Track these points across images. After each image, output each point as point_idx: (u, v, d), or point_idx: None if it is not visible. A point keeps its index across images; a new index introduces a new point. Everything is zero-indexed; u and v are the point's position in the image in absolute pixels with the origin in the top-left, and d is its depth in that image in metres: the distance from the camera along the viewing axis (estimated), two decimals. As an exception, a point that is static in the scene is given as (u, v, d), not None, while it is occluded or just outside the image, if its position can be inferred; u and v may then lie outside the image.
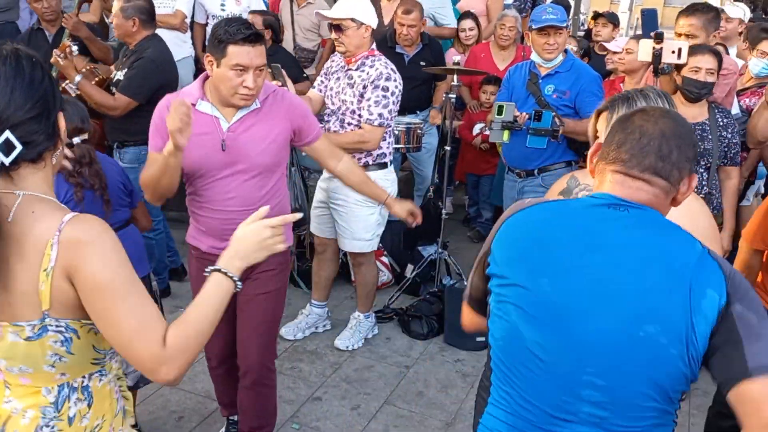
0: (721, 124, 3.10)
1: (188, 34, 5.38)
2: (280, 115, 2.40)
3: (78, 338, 1.32)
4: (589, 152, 1.44)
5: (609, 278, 1.27)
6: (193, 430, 2.97)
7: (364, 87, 3.27)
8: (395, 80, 3.31)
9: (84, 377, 1.39)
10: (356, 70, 3.31)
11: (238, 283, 1.41)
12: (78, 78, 3.63)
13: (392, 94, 3.29)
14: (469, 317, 1.61)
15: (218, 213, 2.42)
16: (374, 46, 3.37)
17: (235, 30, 2.20)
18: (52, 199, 1.33)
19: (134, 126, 3.71)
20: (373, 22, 3.31)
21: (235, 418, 2.85)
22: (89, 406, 1.40)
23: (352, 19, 3.22)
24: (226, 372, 2.73)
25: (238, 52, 2.21)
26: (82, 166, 2.48)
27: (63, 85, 3.59)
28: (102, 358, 1.39)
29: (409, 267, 4.37)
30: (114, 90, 3.78)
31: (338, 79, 3.39)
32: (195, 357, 1.35)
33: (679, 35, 3.45)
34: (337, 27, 3.25)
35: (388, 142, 3.48)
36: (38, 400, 1.35)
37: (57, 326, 1.29)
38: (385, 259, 4.42)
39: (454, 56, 4.47)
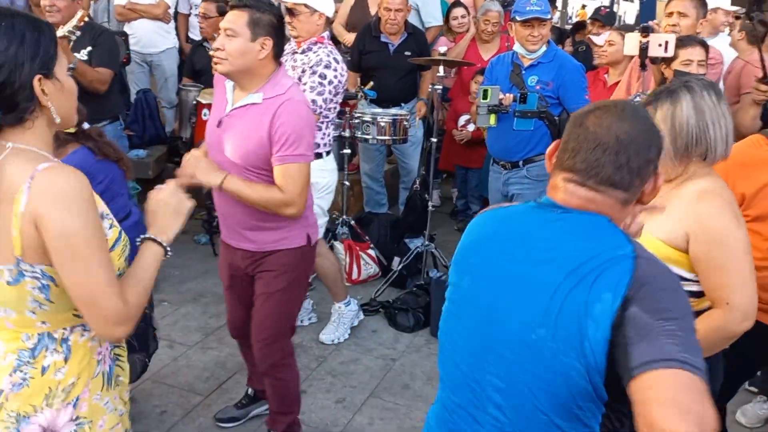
0: None
1: (172, 24, 5.33)
2: (267, 122, 2.28)
3: (56, 285, 1.33)
4: (548, 150, 1.37)
5: (519, 278, 1.24)
6: (176, 424, 2.94)
7: (303, 71, 3.24)
8: (336, 70, 3.23)
9: (66, 329, 1.40)
10: (301, 53, 3.30)
11: (168, 248, 1.50)
12: (78, 57, 3.62)
13: (329, 83, 3.21)
14: None
15: (217, 201, 2.52)
16: (326, 34, 3.35)
17: None
18: (43, 153, 1.35)
19: (107, 103, 3.79)
20: (328, 10, 3.30)
21: (249, 392, 2.99)
22: (65, 360, 1.41)
23: (306, 5, 3.21)
24: (243, 341, 2.82)
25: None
26: (103, 143, 2.61)
27: None
28: None
29: (396, 260, 4.35)
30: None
31: (285, 61, 3.37)
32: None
33: (670, 14, 3.43)
34: (290, 11, 3.24)
35: (324, 133, 3.40)
36: (18, 345, 1.38)
37: (32, 272, 1.31)
38: (371, 251, 4.40)
39: (440, 46, 4.45)
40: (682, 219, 1.79)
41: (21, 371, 1.38)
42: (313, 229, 2.56)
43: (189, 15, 5.62)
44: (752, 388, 3.31)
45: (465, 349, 1.32)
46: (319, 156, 3.42)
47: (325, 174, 3.41)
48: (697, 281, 1.81)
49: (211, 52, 2.32)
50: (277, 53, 2.34)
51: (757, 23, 4.42)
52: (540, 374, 1.19)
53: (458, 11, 5.36)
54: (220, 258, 2.71)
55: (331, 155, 3.52)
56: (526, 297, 1.22)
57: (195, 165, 2.24)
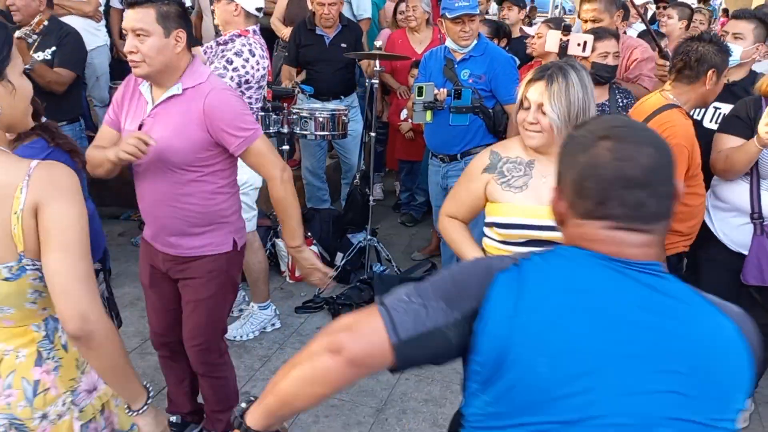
0: (621, 104, 3.20)
1: (102, 22, 5.19)
2: (196, 114, 2.19)
3: None
4: (551, 201, 1.20)
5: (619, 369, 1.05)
6: None
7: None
8: (247, 60, 3.15)
9: None
10: (223, 44, 3.29)
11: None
12: (36, 59, 3.58)
13: (234, 69, 3.11)
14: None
15: (141, 202, 2.40)
16: (253, 28, 3.30)
17: None
18: (5, 149, 1.39)
19: (67, 103, 3.78)
20: (247, 5, 3.26)
21: (174, 419, 2.81)
22: None
23: None
24: (169, 357, 2.71)
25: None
26: (57, 134, 2.55)
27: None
28: None
29: (339, 255, 4.35)
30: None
31: (213, 54, 3.36)
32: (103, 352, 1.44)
33: (585, 21, 3.51)
34: None
35: None
36: (32, 336, 1.46)
37: (33, 266, 1.38)
38: (314, 248, 4.38)
39: (378, 41, 4.45)
40: None
41: (51, 358, 1.48)
42: (239, 234, 2.49)
43: (122, 10, 5.47)
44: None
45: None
46: None
47: (245, 170, 3.35)
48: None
49: (130, 59, 2.16)
50: (189, 43, 2.22)
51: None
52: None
53: (404, 6, 5.34)
54: (140, 255, 2.59)
55: None
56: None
57: (313, 273, 2.47)
